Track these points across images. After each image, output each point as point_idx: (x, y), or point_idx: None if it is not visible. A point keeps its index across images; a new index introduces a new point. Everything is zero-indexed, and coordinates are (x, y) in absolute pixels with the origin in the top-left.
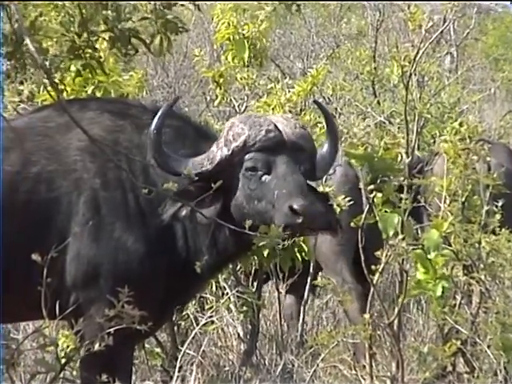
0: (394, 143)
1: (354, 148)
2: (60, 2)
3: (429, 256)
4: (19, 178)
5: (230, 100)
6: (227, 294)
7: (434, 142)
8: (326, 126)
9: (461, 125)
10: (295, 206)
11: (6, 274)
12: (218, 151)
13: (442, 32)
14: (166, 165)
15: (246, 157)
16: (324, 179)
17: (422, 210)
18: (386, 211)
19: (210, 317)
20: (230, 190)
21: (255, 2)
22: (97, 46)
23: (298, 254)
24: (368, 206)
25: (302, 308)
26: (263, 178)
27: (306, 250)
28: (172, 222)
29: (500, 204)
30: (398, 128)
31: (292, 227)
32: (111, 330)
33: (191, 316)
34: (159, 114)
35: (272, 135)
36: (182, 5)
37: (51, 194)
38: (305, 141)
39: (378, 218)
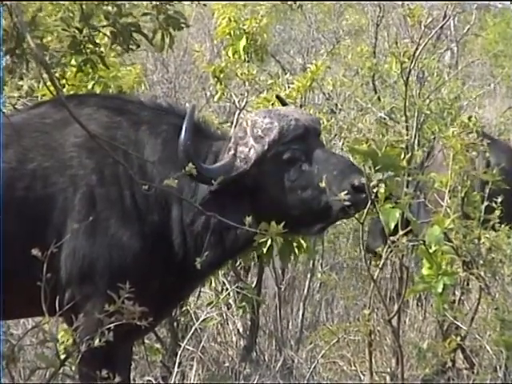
0: (398, 140)
1: (357, 144)
2: (61, 2)
3: (430, 251)
4: (16, 175)
5: (230, 95)
6: (227, 289)
7: (434, 138)
8: None
9: (469, 119)
10: (357, 183)
11: (4, 271)
12: (251, 150)
13: (441, 28)
14: (200, 176)
15: (281, 149)
16: None
17: (420, 206)
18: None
19: (210, 312)
20: (260, 187)
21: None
22: (98, 41)
23: (296, 250)
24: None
25: (302, 304)
26: (303, 167)
27: (305, 246)
28: (170, 222)
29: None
30: (398, 123)
31: (357, 205)
32: (110, 325)
33: (191, 311)
34: (185, 126)
35: (301, 124)
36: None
37: (47, 191)
38: (319, 125)
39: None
